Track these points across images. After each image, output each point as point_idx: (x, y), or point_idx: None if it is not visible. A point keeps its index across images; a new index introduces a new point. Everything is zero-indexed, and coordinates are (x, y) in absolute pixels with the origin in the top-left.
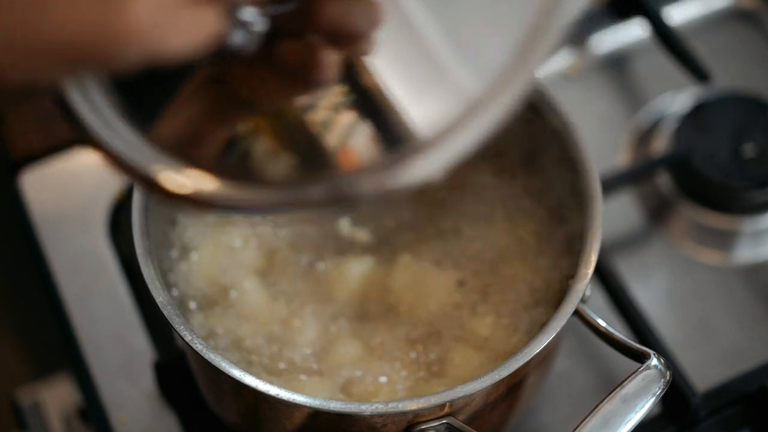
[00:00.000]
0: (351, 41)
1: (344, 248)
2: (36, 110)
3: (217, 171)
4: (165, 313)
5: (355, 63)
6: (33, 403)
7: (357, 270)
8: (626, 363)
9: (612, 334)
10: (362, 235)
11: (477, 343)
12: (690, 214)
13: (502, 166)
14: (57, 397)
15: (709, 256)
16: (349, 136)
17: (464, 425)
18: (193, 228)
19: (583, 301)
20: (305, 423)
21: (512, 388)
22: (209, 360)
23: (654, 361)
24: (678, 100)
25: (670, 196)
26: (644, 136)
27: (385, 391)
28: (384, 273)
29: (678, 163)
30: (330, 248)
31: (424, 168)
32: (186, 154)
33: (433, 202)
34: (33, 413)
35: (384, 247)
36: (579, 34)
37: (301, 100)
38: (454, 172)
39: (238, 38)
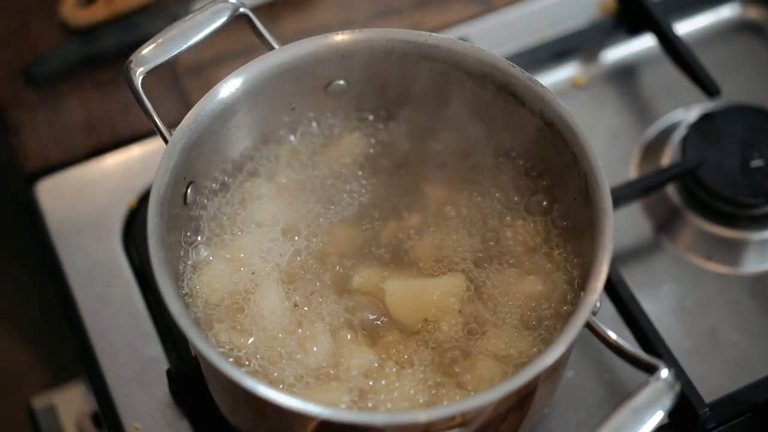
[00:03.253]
0: None
1: (358, 257)
2: (51, 122)
3: None
4: (179, 322)
5: None
6: (48, 410)
7: (371, 277)
8: (634, 372)
9: (622, 346)
10: (377, 241)
11: (491, 352)
12: (698, 225)
13: (512, 176)
14: (71, 404)
15: (717, 267)
16: None
17: None
18: (209, 238)
19: (593, 313)
20: None
21: (523, 398)
22: (223, 370)
23: (664, 374)
24: (686, 112)
25: (678, 207)
26: (652, 148)
27: (400, 399)
28: (399, 281)
29: (686, 175)
30: (344, 258)
31: None
32: None
33: (444, 213)
34: (47, 420)
35: (399, 255)
36: (589, 45)
37: None
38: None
39: None
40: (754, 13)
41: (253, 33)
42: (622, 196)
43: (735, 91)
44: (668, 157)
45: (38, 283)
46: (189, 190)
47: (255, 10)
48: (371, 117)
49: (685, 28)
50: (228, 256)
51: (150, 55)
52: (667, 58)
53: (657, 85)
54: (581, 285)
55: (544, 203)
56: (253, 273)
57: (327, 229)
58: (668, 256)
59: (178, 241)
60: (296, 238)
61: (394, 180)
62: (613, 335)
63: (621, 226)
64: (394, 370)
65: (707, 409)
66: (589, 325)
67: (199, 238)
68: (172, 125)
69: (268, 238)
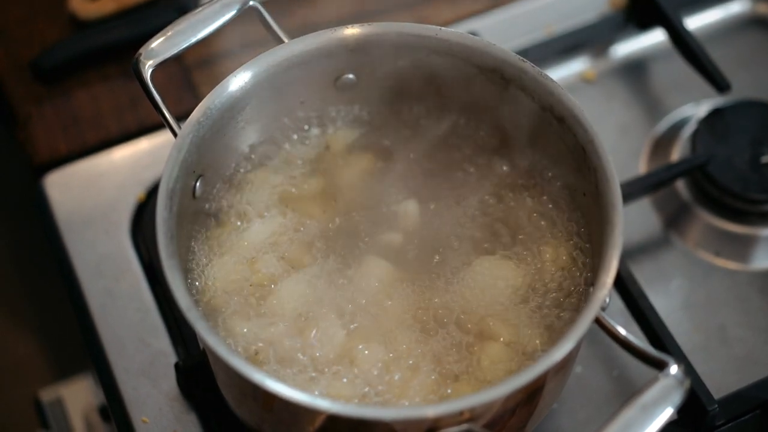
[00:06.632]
0: None
1: (369, 248)
2: (60, 115)
3: None
4: (188, 316)
5: None
6: (55, 403)
7: (382, 270)
8: (642, 368)
9: (631, 341)
10: (392, 234)
11: (499, 346)
12: (707, 220)
13: (522, 170)
14: (78, 397)
15: (726, 263)
16: None
17: (485, 430)
18: (218, 231)
19: (602, 308)
20: (325, 426)
21: (532, 394)
22: (231, 363)
23: (673, 370)
24: (696, 107)
25: (687, 203)
26: (662, 143)
27: (410, 394)
28: (408, 273)
29: (696, 171)
30: (353, 250)
31: None
32: None
33: (451, 204)
34: (55, 412)
35: (409, 247)
36: (599, 40)
37: None
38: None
39: None
40: (764, 8)
41: (262, 26)
42: (632, 191)
43: (745, 86)
44: (678, 152)
45: (46, 276)
46: (198, 184)
47: (264, 3)
48: (379, 111)
49: (695, 23)
50: (237, 248)
51: (159, 48)
52: (677, 54)
53: (667, 81)
54: (590, 280)
55: (554, 198)
56: (262, 266)
57: (337, 221)
58: (677, 251)
59: (187, 235)
60: (306, 230)
61: (401, 173)
62: (622, 331)
63: (630, 221)
64: (403, 365)
65: (716, 406)
66: (598, 321)
67: (208, 231)
68: (181, 118)
69: (277, 232)
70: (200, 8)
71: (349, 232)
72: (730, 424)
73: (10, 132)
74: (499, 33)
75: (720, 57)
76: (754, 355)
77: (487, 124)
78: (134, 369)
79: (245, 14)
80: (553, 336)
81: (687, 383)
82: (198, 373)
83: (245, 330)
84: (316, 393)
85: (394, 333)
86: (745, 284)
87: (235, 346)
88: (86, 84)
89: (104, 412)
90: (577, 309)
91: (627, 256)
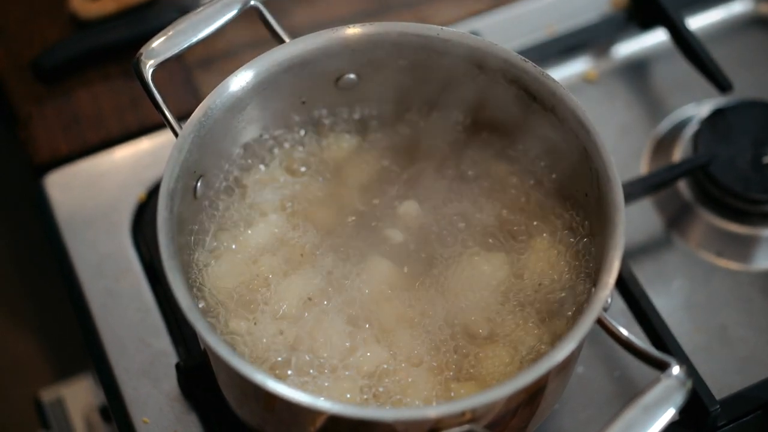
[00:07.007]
0: None
1: (370, 248)
2: (60, 114)
3: None
4: (189, 316)
5: None
6: (55, 403)
7: (383, 270)
8: (643, 369)
9: (633, 342)
10: (392, 234)
11: (501, 345)
12: (709, 221)
13: (523, 171)
14: (79, 397)
15: (728, 264)
16: None
17: (486, 431)
18: (219, 232)
19: (604, 309)
20: (326, 427)
21: (533, 395)
22: (231, 364)
23: (675, 371)
24: (698, 107)
25: (689, 203)
26: (664, 144)
27: (412, 394)
28: (410, 272)
29: (697, 171)
30: (354, 250)
31: None
32: None
33: (452, 204)
34: (55, 412)
35: (410, 247)
36: (600, 40)
37: None
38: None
39: None
40: (766, 8)
41: (263, 26)
42: (633, 191)
43: (747, 86)
44: (680, 152)
45: (46, 276)
46: (199, 184)
47: (266, 2)
48: (381, 111)
49: (697, 23)
50: (238, 249)
51: (160, 48)
52: (679, 53)
53: (669, 81)
54: (592, 281)
55: (555, 198)
56: (263, 266)
57: (338, 220)
58: (679, 252)
59: (188, 235)
60: (308, 230)
61: (402, 173)
62: (624, 332)
63: (632, 221)
64: (406, 364)
65: (718, 407)
66: (600, 321)
67: (209, 231)
68: (182, 118)
69: (279, 232)
70: (201, 8)
71: (350, 231)
72: (731, 425)
73: (11, 132)
74: (500, 33)
75: (722, 57)
76: (756, 355)
77: (488, 124)
78: (135, 369)
79: (246, 14)
80: (555, 336)
81: (689, 384)
82: (199, 374)
83: (246, 330)
84: (318, 393)
85: (396, 332)
86: (747, 285)
87: (235, 346)
88: (87, 84)
89: (105, 413)
90: (580, 310)
91: (628, 256)
